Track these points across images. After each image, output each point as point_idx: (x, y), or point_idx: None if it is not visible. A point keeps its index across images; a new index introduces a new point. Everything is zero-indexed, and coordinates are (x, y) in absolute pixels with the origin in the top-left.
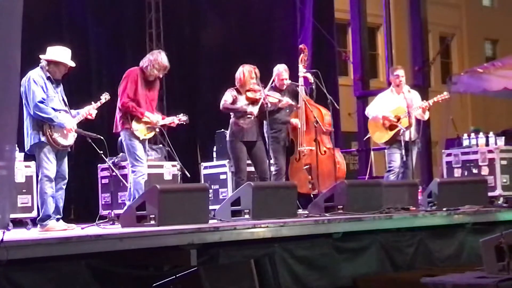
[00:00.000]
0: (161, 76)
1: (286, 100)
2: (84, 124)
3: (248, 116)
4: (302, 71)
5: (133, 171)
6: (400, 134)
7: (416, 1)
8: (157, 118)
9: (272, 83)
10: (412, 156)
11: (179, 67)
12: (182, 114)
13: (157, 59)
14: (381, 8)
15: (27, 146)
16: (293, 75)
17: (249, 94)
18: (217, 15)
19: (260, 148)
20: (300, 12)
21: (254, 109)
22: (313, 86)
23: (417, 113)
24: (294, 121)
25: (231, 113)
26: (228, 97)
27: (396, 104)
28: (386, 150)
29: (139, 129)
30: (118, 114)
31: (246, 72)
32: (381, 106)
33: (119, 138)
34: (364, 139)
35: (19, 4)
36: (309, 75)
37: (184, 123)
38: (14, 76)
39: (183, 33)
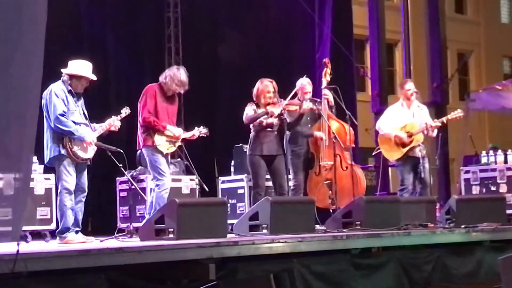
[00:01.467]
0: (181, 92)
1: (307, 105)
2: (103, 137)
3: (269, 130)
4: (324, 85)
5: (156, 185)
6: (418, 149)
7: (435, 18)
8: (179, 132)
9: (294, 97)
10: (425, 171)
11: (198, 82)
12: (202, 127)
13: (176, 75)
14: (399, 25)
15: (46, 159)
16: (314, 90)
17: (269, 108)
18: (235, 30)
19: (280, 163)
20: (318, 28)
21: (275, 110)
22: (333, 109)
23: (429, 129)
24: (318, 134)
25: (251, 127)
26: (249, 110)
27: (406, 119)
28: (397, 168)
29: (161, 143)
30: (140, 131)
31: (261, 86)
32: (392, 121)
33: (138, 152)
34: (374, 153)
35: (42, 16)
36: (328, 94)
37: (205, 135)
38: (35, 89)
39: (202, 48)
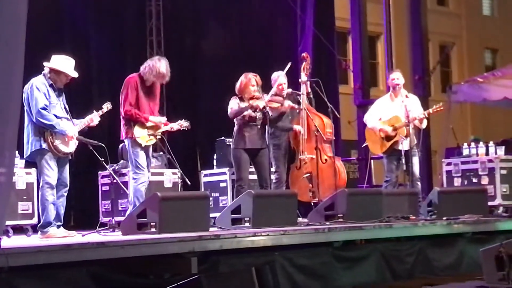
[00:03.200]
0: (160, 83)
1: (288, 103)
2: (85, 131)
3: (252, 123)
4: (304, 79)
5: (134, 178)
6: (400, 142)
7: (417, 10)
8: (163, 119)
9: (273, 91)
10: (414, 164)
11: (180, 75)
12: (183, 120)
13: (155, 66)
14: (381, 17)
15: (26, 153)
16: (294, 83)
17: (252, 102)
18: (218, 23)
19: (264, 156)
20: (300, 21)
21: (260, 102)
22: (311, 96)
23: (414, 122)
24: (297, 127)
25: (235, 121)
26: (233, 104)
27: (393, 112)
28: (383, 160)
29: (140, 135)
30: (122, 122)
31: (245, 79)
32: (379, 114)
33: (120, 146)
34: (362, 146)
35: (23, 11)
36: (307, 85)
37: (186, 128)
38: (17, 83)
39: (184, 40)
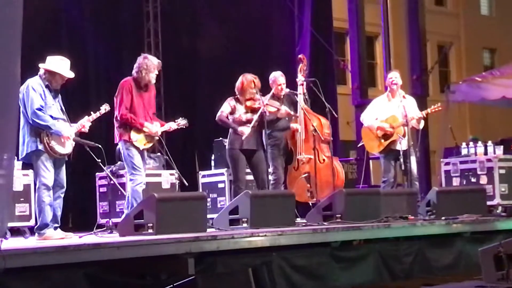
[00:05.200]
0: (155, 74)
1: (285, 109)
2: (82, 133)
3: (248, 125)
4: (301, 80)
5: (131, 180)
6: (399, 142)
7: (414, 10)
8: (156, 128)
9: (272, 92)
10: (411, 163)
11: (177, 76)
12: (181, 118)
13: (145, 62)
14: (379, 17)
15: (22, 154)
16: (291, 84)
17: (248, 103)
18: (215, 24)
19: (260, 158)
20: (298, 21)
21: (245, 129)
22: (307, 97)
23: (411, 122)
24: (294, 125)
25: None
26: (226, 107)
27: (390, 112)
28: (380, 160)
29: (138, 139)
30: (116, 125)
31: (245, 81)
32: (376, 114)
33: (117, 147)
34: (358, 145)
35: (19, 13)
36: (303, 85)
37: (184, 127)
38: (14, 85)
39: (181, 42)
